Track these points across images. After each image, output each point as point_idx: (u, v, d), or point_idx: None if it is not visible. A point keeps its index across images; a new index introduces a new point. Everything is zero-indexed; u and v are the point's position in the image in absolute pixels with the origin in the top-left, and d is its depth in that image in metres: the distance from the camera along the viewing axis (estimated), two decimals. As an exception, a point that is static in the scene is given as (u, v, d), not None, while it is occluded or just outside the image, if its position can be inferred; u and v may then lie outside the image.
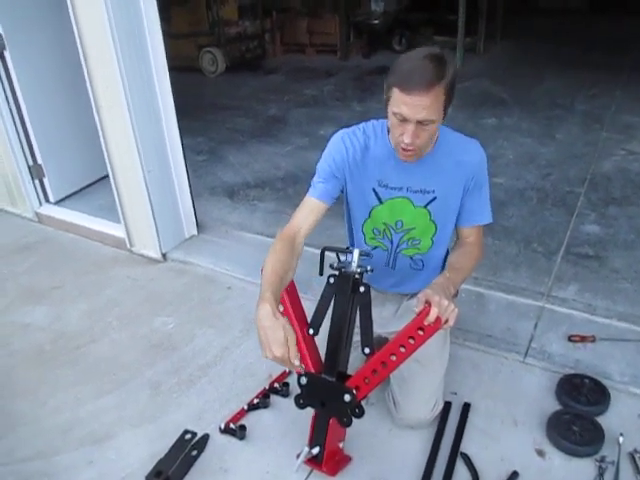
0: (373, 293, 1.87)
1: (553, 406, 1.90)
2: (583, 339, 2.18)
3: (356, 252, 1.55)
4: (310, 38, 7.78)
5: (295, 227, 1.61)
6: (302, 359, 1.53)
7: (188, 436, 1.86)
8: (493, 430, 1.84)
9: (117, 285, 2.79)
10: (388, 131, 1.57)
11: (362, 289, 1.53)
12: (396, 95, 1.39)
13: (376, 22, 7.36)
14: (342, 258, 1.61)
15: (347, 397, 1.51)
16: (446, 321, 1.38)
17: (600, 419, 1.82)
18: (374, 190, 1.66)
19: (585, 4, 9.46)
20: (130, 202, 2.93)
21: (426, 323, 1.38)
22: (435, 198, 1.65)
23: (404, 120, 1.41)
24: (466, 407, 1.92)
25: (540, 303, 2.43)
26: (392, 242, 1.75)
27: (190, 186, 3.02)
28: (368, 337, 1.47)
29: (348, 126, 1.70)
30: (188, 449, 1.81)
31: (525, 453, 1.76)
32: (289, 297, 1.62)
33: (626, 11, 8.38)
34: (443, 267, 1.79)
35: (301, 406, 1.60)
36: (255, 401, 1.97)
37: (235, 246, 3.04)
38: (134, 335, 2.42)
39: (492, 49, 7.29)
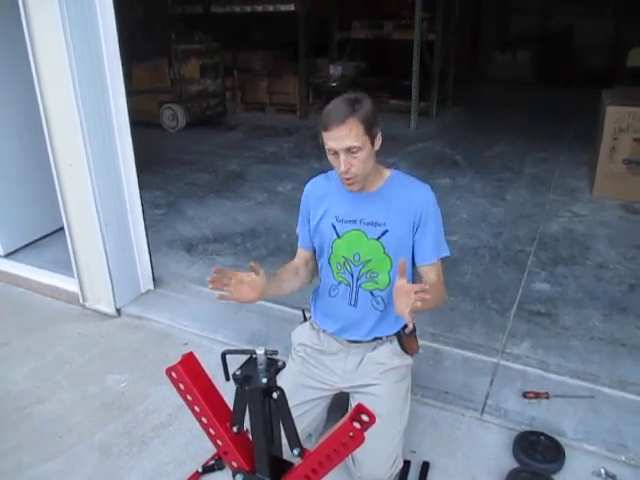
0: (336, 347, 1.90)
1: (510, 463, 1.91)
2: (537, 396, 2.21)
3: (261, 353, 1.33)
4: (270, 97, 7.99)
5: (294, 265, 1.93)
6: (232, 457, 1.43)
7: (139, 502, 1.78)
8: (452, 490, 1.83)
9: (68, 342, 2.70)
10: None
11: (275, 395, 1.33)
12: (324, 136, 1.64)
13: (334, 84, 7.64)
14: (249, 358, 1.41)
15: None
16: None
17: (556, 477, 1.84)
18: (333, 225, 1.82)
19: (530, 76, 10.08)
20: (85, 255, 2.87)
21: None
22: (387, 231, 1.76)
23: (335, 153, 1.63)
24: (425, 466, 1.91)
25: (495, 359, 2.47)
26: (352, 275, 1.83)
27: (148, 240, 2.99)
28: (294, 438, 1.36)
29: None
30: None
31: (484, 513, 1.75)
32: (193, 379, 1.46)
33: (567, 83, 9.00)
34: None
35: None
36: (210, 463, 1.91)
37: (192, 301, 3.00)
38: (84, 394, 2.33)
39: (443, 114, 7.64)
